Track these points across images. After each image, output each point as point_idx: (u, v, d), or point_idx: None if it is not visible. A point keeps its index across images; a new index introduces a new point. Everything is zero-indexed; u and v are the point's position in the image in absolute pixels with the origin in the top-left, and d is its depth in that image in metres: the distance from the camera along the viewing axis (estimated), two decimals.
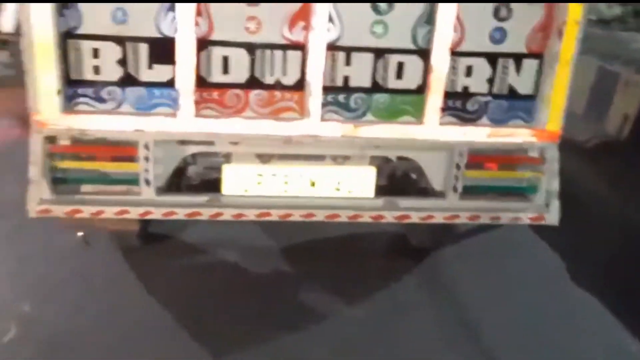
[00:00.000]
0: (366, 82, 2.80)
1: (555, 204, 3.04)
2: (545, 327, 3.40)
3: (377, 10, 2.69)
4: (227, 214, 2.91)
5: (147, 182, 2.80)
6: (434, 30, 2.69)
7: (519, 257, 4.15)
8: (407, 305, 3.52)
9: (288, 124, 2.78)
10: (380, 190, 3.02)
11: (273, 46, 2.69)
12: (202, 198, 2.91)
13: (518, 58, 2.85)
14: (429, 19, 2.70)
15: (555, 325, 3.42)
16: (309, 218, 2.94)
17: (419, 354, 3.16)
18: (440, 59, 2.73)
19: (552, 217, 3.07)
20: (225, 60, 2.69)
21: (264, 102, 2.77)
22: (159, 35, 2.61)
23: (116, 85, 2.66)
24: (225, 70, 2.71)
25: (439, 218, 3.03)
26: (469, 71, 2.83)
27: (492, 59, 2.83)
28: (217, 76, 2.71)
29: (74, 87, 2.64)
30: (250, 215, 2.92)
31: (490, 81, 2.87)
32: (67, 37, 2.57)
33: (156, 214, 2.86)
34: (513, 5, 2.74)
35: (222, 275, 3.69)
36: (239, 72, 2.72)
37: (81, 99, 2.66)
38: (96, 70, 2.64)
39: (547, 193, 3.04)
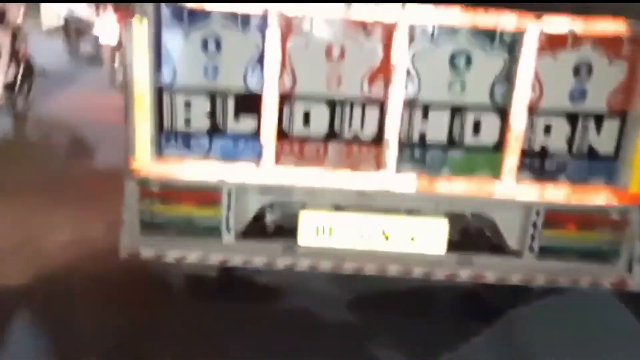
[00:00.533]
0: (442, 138, 2.84)
1: (639, 269, 2.92)
2: None
3: (455, 69, 2.75)
4: (302, 264, 2.98)
5: (228, 228, 2.92)
6: (512, 89, 2.72)
7: (598, 321, 3.94)
8: None
9: (364, 176, 2.85)
10: (453, 246, 3.00)
11: (352, 101, 2.80)
12: (278, 246, 2.99)
13: (599, 118, 2.81)
14: (507, 78, 2.74)
15: None
16: (383, 273, 2.96)
17: None
18: (518, 118, 2.74)
19: (636, 282, 2.95)
20: (307, 114, 2.82)
21: (341, 154, 2.86)
22: (245, 90, 2.77)
23: (204, 135, 2.84)
24: (306, 123, 2.83)
25: (514, 279, 2.98)
26: (547, 130, 2.82)
27: (571, 118, 2.81)
28: (298, 129, 2.84)
29: (165, 137, 2.83)
30: (324, 266, 2.98)
31: (570, 140, 2.84)
32: (162, 90, 2.78)
33: (235, 261, 2.97)
34: (594, 64, 2.73)
35: (293, 321, 3.71)
36: (319, 125, 2.83)
37: (172, 148, 2.84)
38: (187, 121, 2.82)
39: (629, 257, 2.93)
